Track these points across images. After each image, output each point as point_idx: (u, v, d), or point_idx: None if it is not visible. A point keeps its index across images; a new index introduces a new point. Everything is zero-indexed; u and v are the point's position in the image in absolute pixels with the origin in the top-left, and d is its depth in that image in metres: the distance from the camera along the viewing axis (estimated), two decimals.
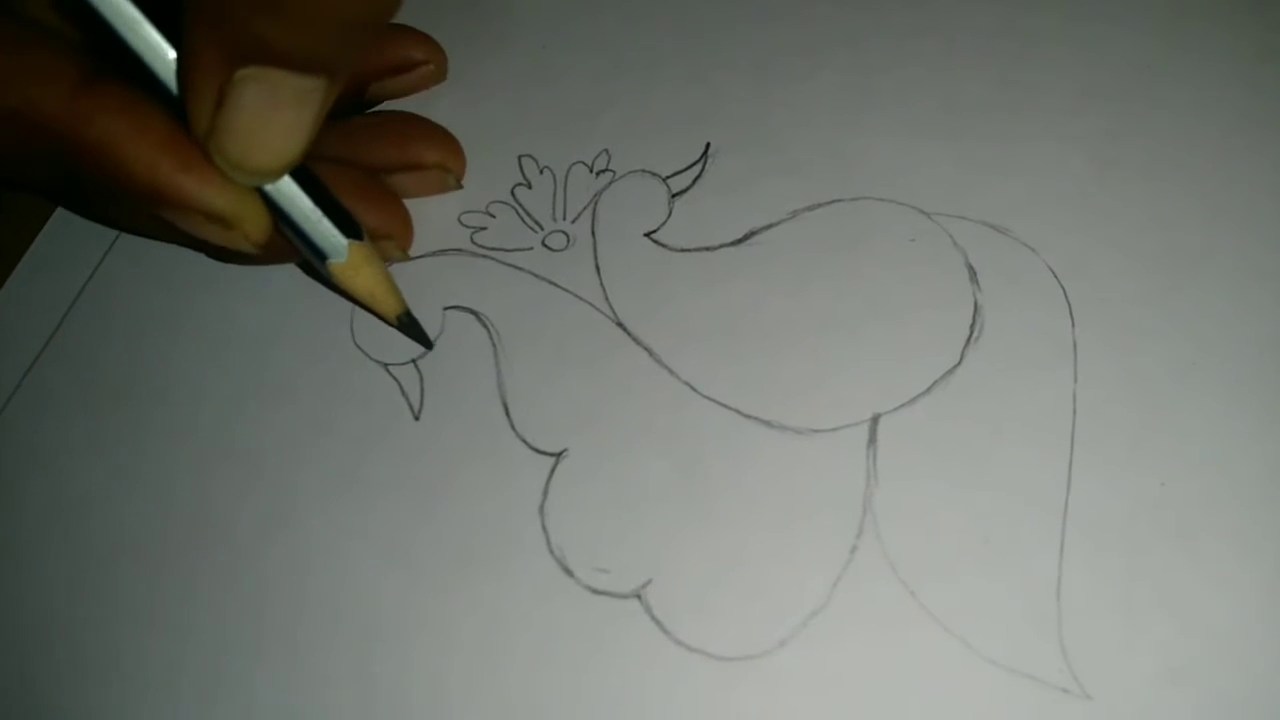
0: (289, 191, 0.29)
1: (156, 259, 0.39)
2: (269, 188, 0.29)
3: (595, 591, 0.32)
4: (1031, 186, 0.36)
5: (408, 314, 0.34)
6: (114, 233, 0.40)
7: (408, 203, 0.37)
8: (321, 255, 0.30)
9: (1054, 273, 0.34)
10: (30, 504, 0.36)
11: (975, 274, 0.34)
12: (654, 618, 0.31)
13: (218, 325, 0.38)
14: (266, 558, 0.33)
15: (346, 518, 0.34)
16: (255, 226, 0.28)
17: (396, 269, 0.37)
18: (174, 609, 0.33)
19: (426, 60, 0.39)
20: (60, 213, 0.41)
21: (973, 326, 0.34)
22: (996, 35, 0.39)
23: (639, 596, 0.31)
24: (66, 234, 0.41)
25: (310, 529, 0.34)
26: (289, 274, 0.38)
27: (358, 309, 0.36)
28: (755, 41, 0.40)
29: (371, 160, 0.36)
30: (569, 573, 0.32)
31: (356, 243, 0.30)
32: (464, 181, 0.38)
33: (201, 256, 0.38)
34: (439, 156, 0.37)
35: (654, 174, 0.37)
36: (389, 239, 0.36)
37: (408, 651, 0.31)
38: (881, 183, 0.36)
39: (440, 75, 0.39)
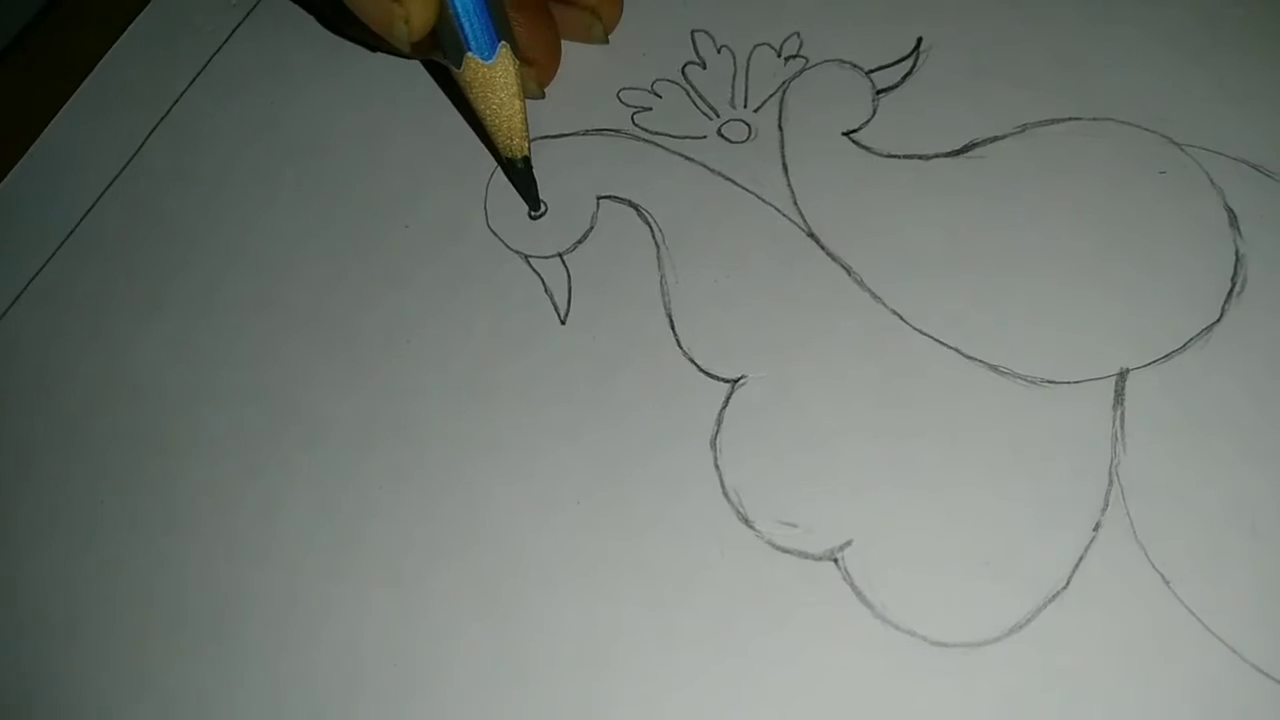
0: None
1: (252, 94, 0.33)
2: None
3: (780, 549, 0.26)
4: None
5: (527, 159, 0.29)
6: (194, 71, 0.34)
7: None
8: (466, 49, 0.27)
9: None
10: (85, 380, 0.29)
11: (1236, 219, 0.29)
12: (853, 586, 0.26)
13: (322, 184, 0.31)
14: (369, 471, 0.28)
15: (470, 430, 0.28)
16: (421, 7, 0.26)
17: (541, 145, 0.31)
18: (250, 530, 0.27)
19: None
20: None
21: (1234, 279, 0.28)
22: None
23: (835, 560, 0.26)
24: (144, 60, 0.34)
25: (423, 439, 0.28)
26: (413, 124, 0.32)
27: (492, 184, 0.31)
28: None
29: None
30: (748, 522, 0.26)
31: (506, 47, 0.27)
32: (627, 50, 0.32)
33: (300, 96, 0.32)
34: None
35: (855, 65, 0.32)
36: (530, 64, 0.30)
37: (548, 596, 0.26)
38: (1126, 103, 0.31)
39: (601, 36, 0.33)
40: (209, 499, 0.28)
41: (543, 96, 0.32)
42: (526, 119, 0.29)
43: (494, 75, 0.28)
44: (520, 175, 0.30)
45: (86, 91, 0.34)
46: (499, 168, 0.31)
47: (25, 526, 0.28)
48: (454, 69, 0.28)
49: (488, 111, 0.29)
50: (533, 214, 0.31)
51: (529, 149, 0.29)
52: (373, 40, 0.30)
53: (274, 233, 0.31)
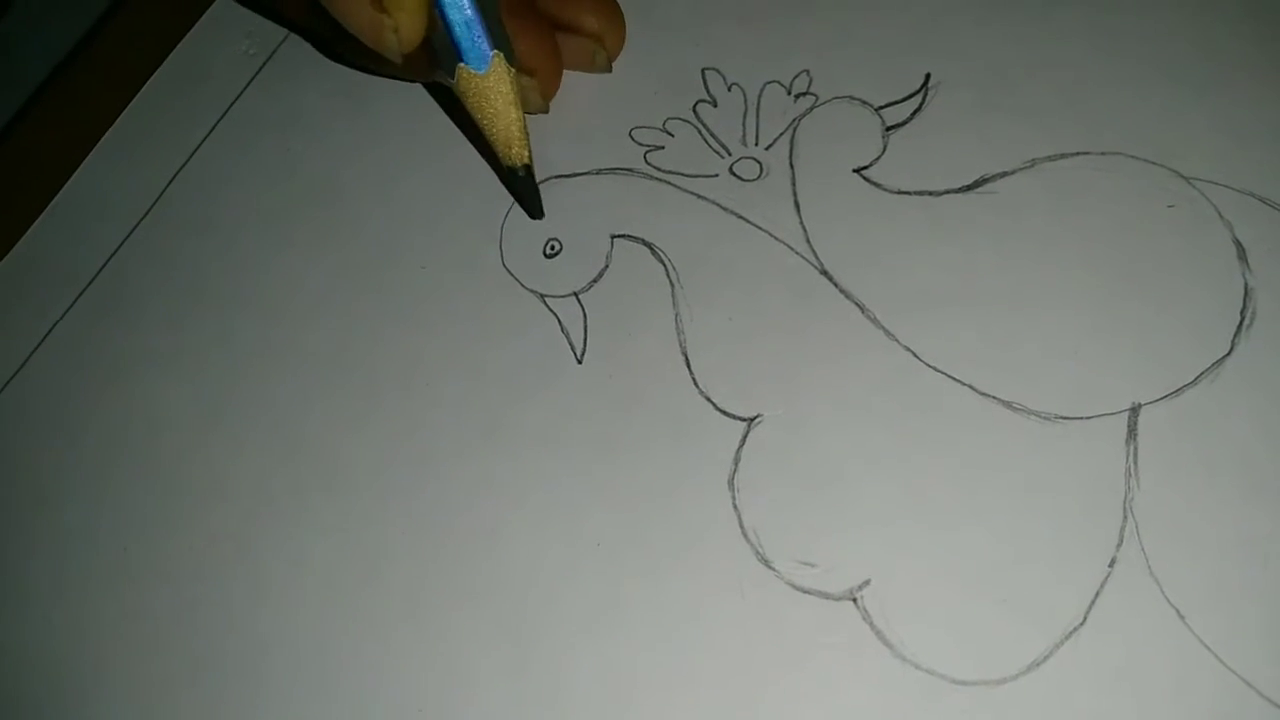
0: None
1: (270, 141, 0.33)
2: None
3: (800, 589, 0.26)
4: None
5: (528, 167, 0.29)
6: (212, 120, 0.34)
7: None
8: (460, 59, 0.27)
9: None
10: (107, 426, 0.30)
11: (1244, 252, 0.29)
12: (873, 626, 0.26)
13: (339, 227, 0.32)
14: (389, 514, 0.28)
15: (488, 472, 0.28)
16: (411, 17, 0.26)
17: (555, 184, 0.31)
18: (272, 574, 0.28)
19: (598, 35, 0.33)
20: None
21: (1243, 312, 0.29)
22: None
23: (854, 600, 0.26)
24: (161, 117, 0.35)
25: (441, 481, 0.28)
26: (427, 166, 0.33)
27: (507, 224, 0.31)
28: None
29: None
30: (767, 563, 0.27)
31: (500, 56, 0.28)
32: (638, 87, 0.33)
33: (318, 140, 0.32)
34: (596, 26, 0.32)
35: (864, 102, 0.32)
36: (532, 74, 0.30)
37: (567, 642, 0.26)
38: (1134, 138, 0.31)
39: (604, 64, 0.33)
40: (232, 544, 0.28)
41: (546, 110, 0.32)
42: (525, 128, 0.29)
43: (488, 85, 0.28)
44: (522, 184, 0.30)
45: (108, 142, 0.34)
46: (513, 206, 0.32)
47: (50, 574, 0.29)
48: (449, 82, 0.28)
49: (484, 121, 0.29)
50: (536, 218, 0.31)
51: (529, 157, 0.29)
52: (371, 63, 0.30)
53: (292, 277, 0.31)
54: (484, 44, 0.27)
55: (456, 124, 0.33)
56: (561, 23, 0.31)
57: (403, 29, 0.26)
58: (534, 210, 0.31)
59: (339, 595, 0.27)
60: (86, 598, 0.28)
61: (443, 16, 0.27)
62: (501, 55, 0.28)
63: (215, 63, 0.35)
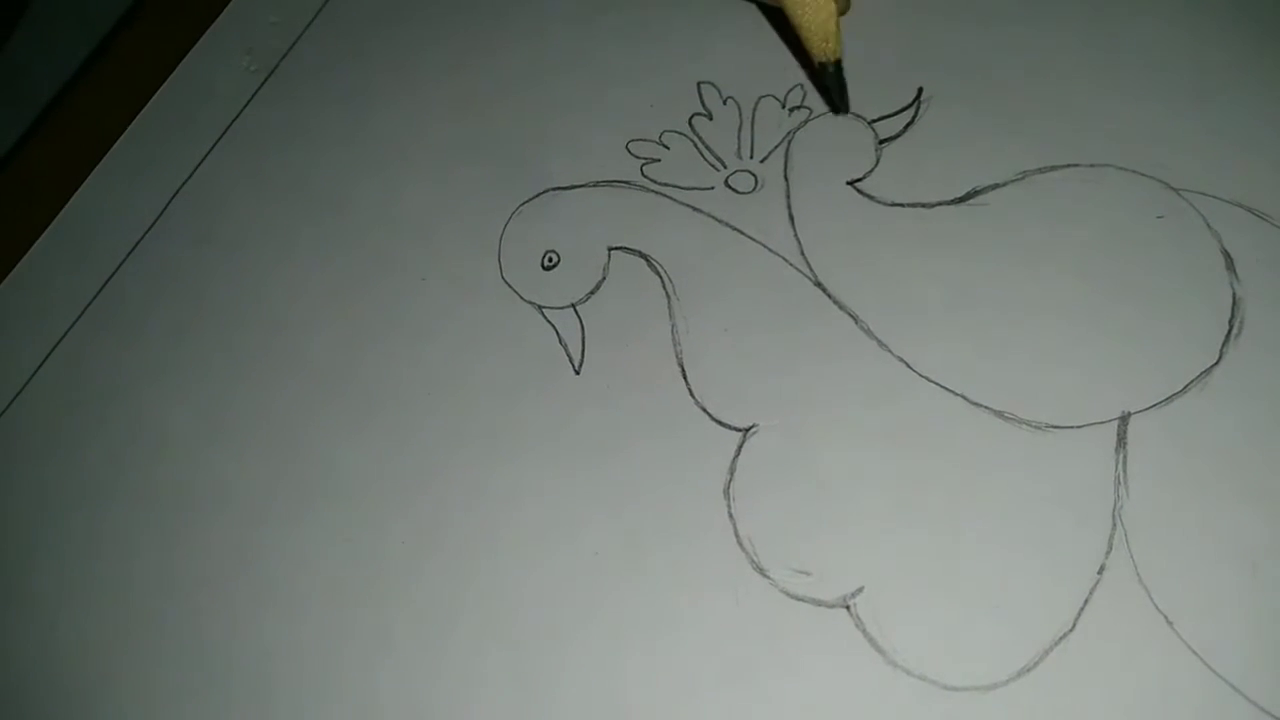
0: None
1: (272, 157, 0.34)
2: None
3: (794, 597, 0.27)
4: None
5: (839, 63, 0.31)
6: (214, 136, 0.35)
7: None
8: None
9: None
10: (112, 440, 0.30)
11: (1232, 262, 0.30)
12: (866, 634, 0.26)
13: (339, 240, 0.32)
14: (387, 522, 0.28)
15: (487, 483, 0.29)
16: None
17: (553, 197, 0.32)
18: (277, 586, 0.28)
19: None
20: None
21: (1232, 321, 0.29)
22: None
23: (848, 607, 0.27)
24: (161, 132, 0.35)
25: (441, 490, 0.29)
26: (428, 179, 0.33)
27: (506, 236, 0.32)
28: None
29: None
30: (762, 571, 0.27)
31: None
32: (635, 103, 0.33)
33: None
34: None
35: (858, 115, 0.32)
36: None
37: (565, 649, 0.27)
38: (1124, 149, 0.31)
39: None
40: (236, 555, 0.29)
41: (848, 8, 0.33)
42: (839, 23, 0.30)
43: None
44: (832, 80, 0.31)
45: (113, 159, 0.34)
46: (512, 218, 0.32)
47: (58, 586, 0.29)
48: None
49: (805, 17, 0.30)
50: (843, 112, 0.32)
51: (842, 52, 0.31)
52: None
53: (294, 292, 0.32)
54: None
55: (457, 138, 0.33)
56: None
57: None
58: (843, 104, 0.32)
59: (341, 603, 0.28)
60: (91, 609, 0.29)
61: None
62: None
63: (218, 80, 0.36)
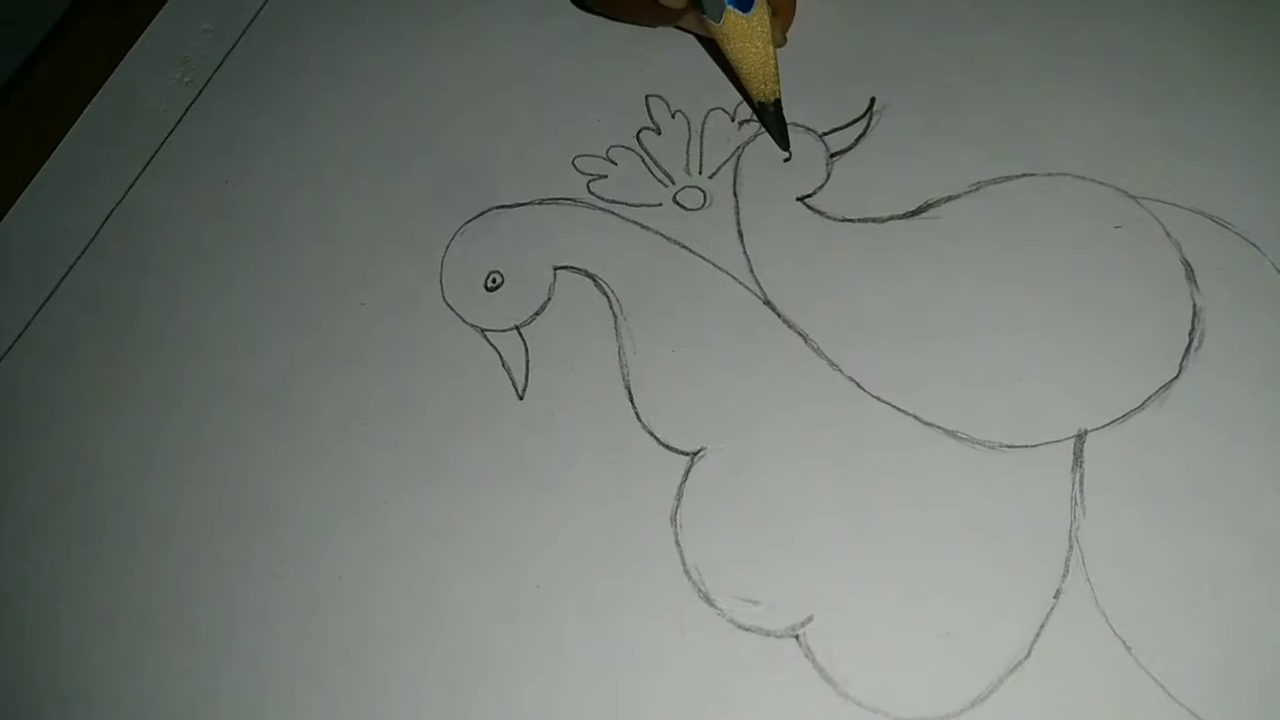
0: None
1: (206, 174, 0.33)
2: None
3: (741, 627, 0.26)
4: (1254, 173, 0.30)
5: (779, 103, 0.31)
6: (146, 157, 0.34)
7: None
8: (728, 3, 0.29)
9: None
10: (42, 471, 0.29)
11: (1193, 272, 0.29)
12: (815, 663, 0.26)
13: (277, 264, 0.31)
14: (321, 556, 0.28)
15: (427, 513, 0.28)
16: None
17: (494, 216, 0.31)
18: (209, 623, 0.27)
19: None
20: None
21: (1192, 334, 0.28)
22: None
23: (797, 637, 0.26)
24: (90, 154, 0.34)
25: (379, 524, 0.28)
26: (367, 196, 0.32)
27: (448, 257, 0.31)
28: None
29: None
30: (709, 600, 0.26)
31: (763, 2, 0.29)
32: (582, 117, 0.32)
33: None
34: None
35: (808, 129, 0.32)
36: (775, 14, 0.31)
37: (503, 686, 0.26)
38: (1080, 157, 0.31)
39: None
40: (168, 590, 0.28)
41: (784, 44, 0.32)
42: (777, 64, 0.30)
43: (752, 26, 0.29)
44: (773, 120, 0.31)
45: (41, 181, 0.34)
46: (454, 239, 0.31)
47: None
48: (713, 24, 0.29)
49: (744, 61, 0.30)
50: (786, 158, 0.31)
51: (780, 92, 0.30)
52: (624, 13, 0.32)
53: (230, 317, 0.31)
54: None
55: (397, 151, 0.33)
56: None
57: None
58: (784, 143, 0.31)
59: (276, 642, 0.27)
60: (22, 648, 0.28)
61: None
62: (762, 2, 0.29)
63: (149, 93, 0.35)
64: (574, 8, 0.34)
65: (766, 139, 0.32)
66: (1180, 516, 0.26)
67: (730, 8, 0.29)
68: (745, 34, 0.29)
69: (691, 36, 0.33)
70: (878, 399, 0.28)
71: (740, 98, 0.32)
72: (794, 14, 0.32)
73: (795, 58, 0.32)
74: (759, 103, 0.30)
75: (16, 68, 0.36)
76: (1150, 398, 0.28)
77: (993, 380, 0.28)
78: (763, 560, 0.27)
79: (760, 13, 0.29)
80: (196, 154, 0.34)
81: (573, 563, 0.27)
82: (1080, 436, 0.27)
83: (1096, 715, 0.24)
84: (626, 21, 0.33)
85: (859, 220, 0.30)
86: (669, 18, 0.30)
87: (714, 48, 0.31)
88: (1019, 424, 0.27)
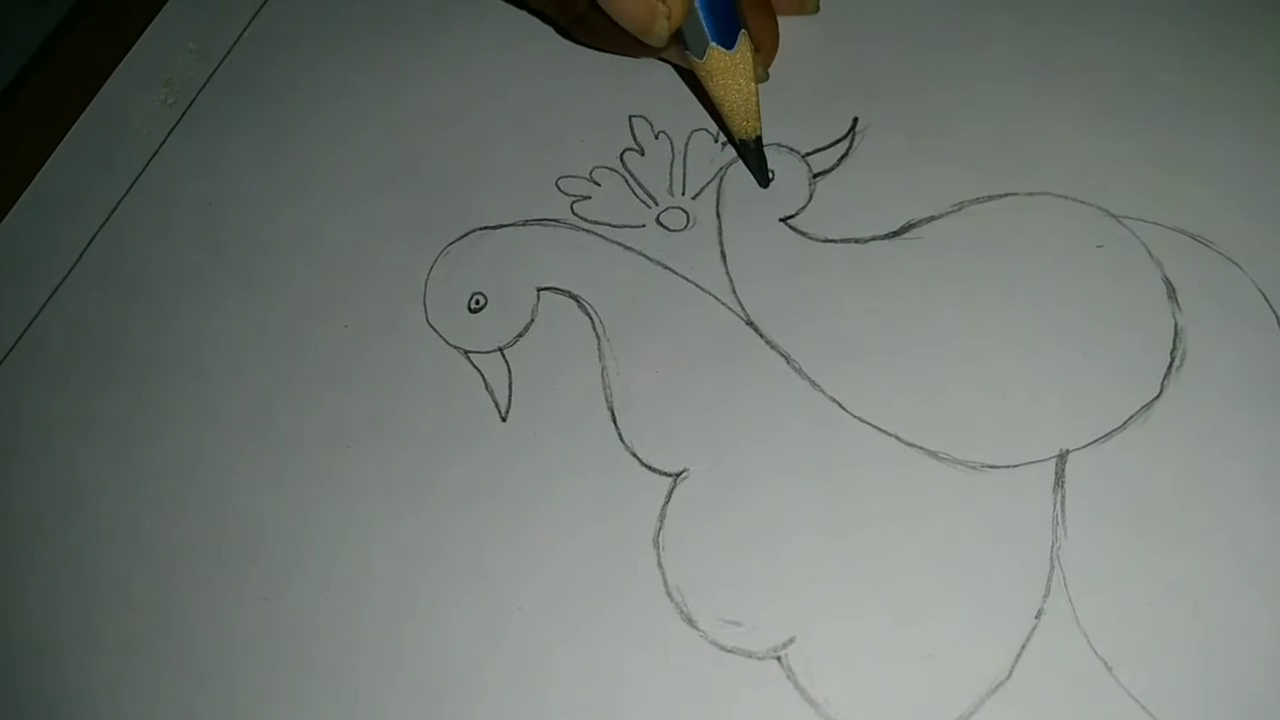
0: None
1: (191, 196, 0.33)
2: None
3: (724, 649, 0.26)
4: (1236, 191, 0.30)
5: (759, 139, 0.30)
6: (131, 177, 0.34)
7: None
8: (711, 39, 0.29)
9: (1264, 294, 0.29)
10: (26, 493, 0.29)
11: (1174, 291, 0.29)
12: (797, 685, 0.26)
13: (261, 286, 0.32)
14: (305, 580, 0.28)
15: (411, 536, 0.28)
16: (681, 2, 0.28)
17: (478, 238, 0.31)
18: (196, 649, 0.27)
19: None
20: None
21: (1173, 353, 0.28)
22: (1190, 9, 0.33)
23: (779, 658, 0.26)
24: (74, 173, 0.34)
25: (364, 548, 0.28)
26: (350, 218, 0.32)
27: (431, 278, 0.31)
28: (905, 4, 0.34)
29: None
30: (691, 622, 0.26)
31: (745, 34, 0.29)
32: (565, 138, 0.32)
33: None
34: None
35: (791, 149, 0.32)
36: (758, 50, 0.31)
37: (489, 709, 0.26)
38: (1063, 176, 0.31)
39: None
40: (155, 615, 0.28)
41: (767, 79, 0.32)
42: (759, 99, 0.30)
43: (735, 63, 0.29)
44: (753, 156, 0.31)
45: (26, 202, 0.34)
46: (438, 260, 0.31)
47: None
48: (695, 60, 0.29)
49: (727, 98, 0.30)
50: (763, 187, 0.31)
51: (760, 129, 0.30)
52: (610, 45, 0.32)
53: (215, 340, 0.31)
54: (733, 24, 0.29)
55: (382, 176, 0.33)
56: None
57: (674, 13, 0.28)
58: (763, 179, 0.31)
59: (263, 666, 0.27)
60: (9, 675, 0.28)
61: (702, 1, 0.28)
62: (746, 34, 0.29)
63: (133, 114, 0.35)
64: (557, 33, 0.34)
65: None
66: (1162, 536, 0.26)
67: (714, 45, 0.28)
68: (728, 71, 0.29)
69: None
70: (860, 419, 0.28)
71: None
72: (776, 49, 0.32)
73: (777, 78, 0.32)
74: (740, 140, 0.30)
75: (1, 89, 0.36)
76: (1132, 417, 0.28)
77: (975, 400, 0.28)
78: (745, 581, 0.27)
79: (744, 50, 0.29)
80: (180, 175, 0.34)
81: (555, 585, 0.27)
82: (1062, 456, 0.27)
83: None
84: (610, 52, 0.33)
85: (841, 241, 0.30)
86: (652, 52, 0.30)
87: (695, 79, 0.31)
88: (1001, 444, 0.28)
